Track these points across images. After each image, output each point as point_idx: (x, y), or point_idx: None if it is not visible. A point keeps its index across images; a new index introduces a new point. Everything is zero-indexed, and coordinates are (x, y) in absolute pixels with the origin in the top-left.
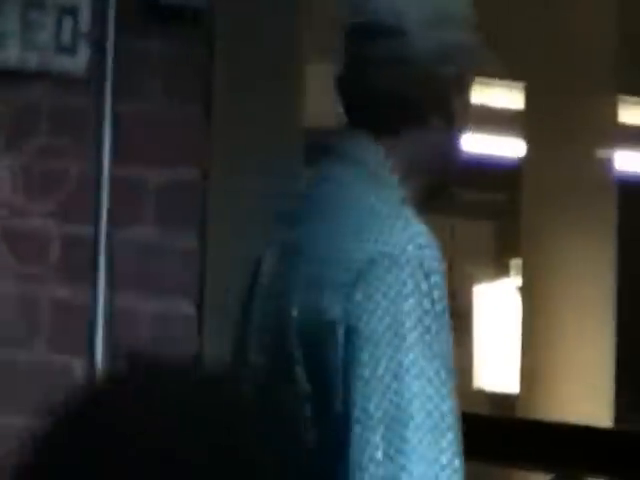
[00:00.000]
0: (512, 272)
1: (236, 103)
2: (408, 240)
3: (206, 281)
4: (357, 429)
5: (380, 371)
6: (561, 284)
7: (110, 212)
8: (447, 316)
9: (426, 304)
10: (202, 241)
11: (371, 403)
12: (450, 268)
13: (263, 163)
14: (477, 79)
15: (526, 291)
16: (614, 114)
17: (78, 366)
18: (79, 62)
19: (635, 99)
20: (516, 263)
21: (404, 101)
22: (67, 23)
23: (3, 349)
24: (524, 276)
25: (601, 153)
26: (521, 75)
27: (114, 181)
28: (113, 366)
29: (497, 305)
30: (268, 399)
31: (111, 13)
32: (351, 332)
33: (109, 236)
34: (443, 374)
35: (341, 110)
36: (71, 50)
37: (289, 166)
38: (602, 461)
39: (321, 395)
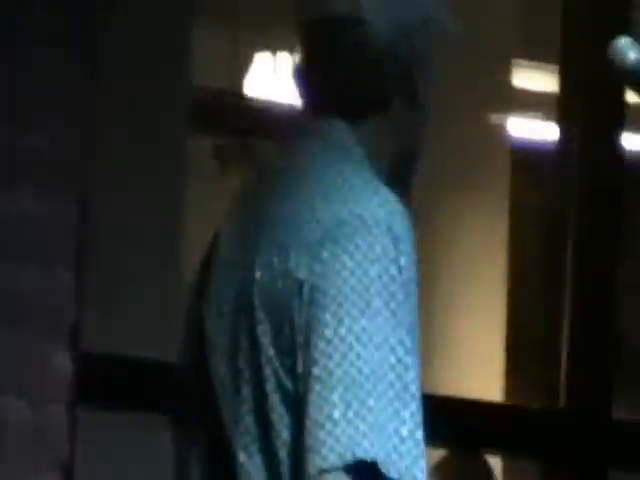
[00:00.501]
0: None
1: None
2: (378, 205)
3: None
4: (317, 387)
5: (342, 332)
6: (453, 261)
7: None
8: (415, 285)
9: (393, 270)
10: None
11: (331, 362)
12: None
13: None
14: None
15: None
16: (509, 79)
17: None
18: None
19: (531, 63)
20: None
21: (366, 86)
22: None
23: None
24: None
25: (495, 119)
26: None
27: None
28: None
29: None
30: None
31: None
32: (315, 291)
33: None
34: (407, 343)
35: (303, 100)
36: None
37: (173, 131)
38: (494, 435)
39: (284, 357)
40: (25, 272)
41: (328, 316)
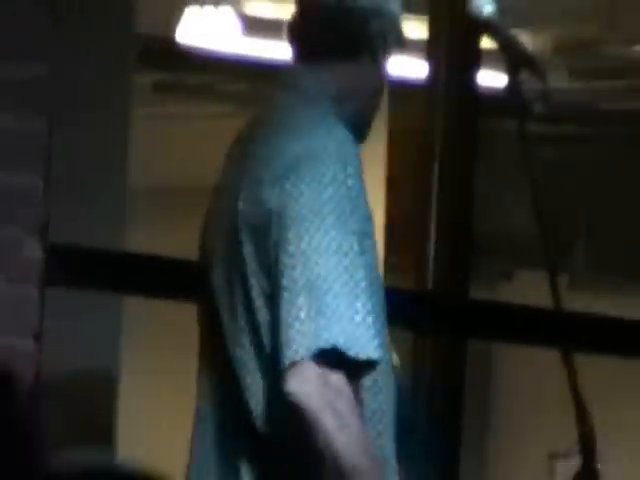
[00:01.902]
0: None
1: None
2: (330, 139)
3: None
4: (285, 294)
5: (303, 246)
6: None
7: None
8: (362, 200)
9: (343, 191)
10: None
11: (295, 272)
12: None
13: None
14: None
15: None
16: None
17: None
18: None
19: (407, 15)
20: None
21: (343, 41)
22: None
23: None
24: None
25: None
26: None
27: None
28: None
29: None
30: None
31: None
32: (281, 217)
33: None
34: (356, 247)
35: (292, 48)
36: None
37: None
38: None
39: (264, 269)
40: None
41: (291, 235)
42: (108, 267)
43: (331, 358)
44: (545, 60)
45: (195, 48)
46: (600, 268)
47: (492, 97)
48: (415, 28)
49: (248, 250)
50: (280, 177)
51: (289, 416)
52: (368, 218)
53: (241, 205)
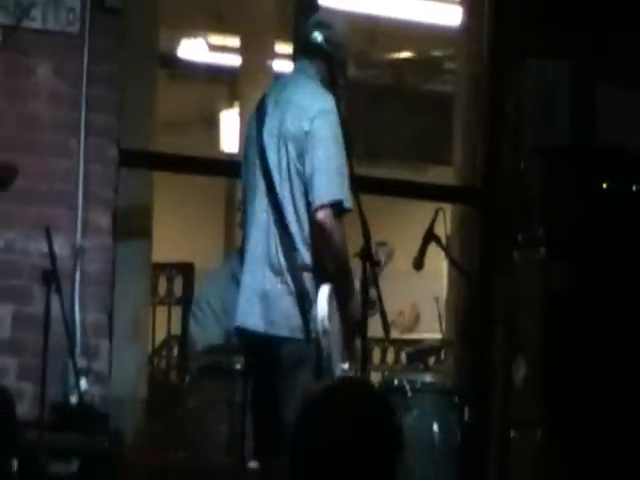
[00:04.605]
0: None
1: None
2: (328, 101)
3: None
4: (315, 173)
5: (323, 147)
6: None
7: None
8: (340, 131)
9: (337, 129)
10: None
11: (318, 156)
12: None
13: None
14: None
15: None
16: None
17: None
18: None
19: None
20: None
21: (325, 54)
22: None
23: None
24: None
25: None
26: None
27: None
28: None
29: None
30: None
31: None
32: (310, 135)
33: None
34: (341, 151)
35: (299, 56)
36: None
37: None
38: None
39: (301, 164)
40: None
41: (318, 144)
42: None
43: (336, 205)
44: None
45: None
46: None
47: None
48: None
49: (291, 148)
50: (311, 118)
51: (316, 233)
52: (343, 140)
53: (289, 124)
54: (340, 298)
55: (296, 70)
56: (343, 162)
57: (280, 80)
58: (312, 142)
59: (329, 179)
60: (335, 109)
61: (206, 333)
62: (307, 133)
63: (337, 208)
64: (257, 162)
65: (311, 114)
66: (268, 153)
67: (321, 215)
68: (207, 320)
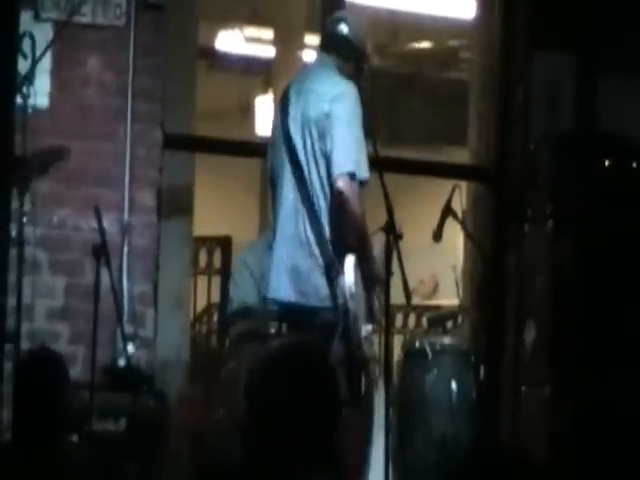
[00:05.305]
0: None
1: None
2: (348, 86)
3: None
4: (335, 146)
5: (342, 130)
6: None
7: None
8: (360, 117)
9: (357, 110)
10: None
11: (342, 139)
12: None
13: None
14: None
15: None
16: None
17: None
18: None
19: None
20: None
21: (348, 52)
22: None
23: None
24: None
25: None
26: None
27: None
28: None
29: None
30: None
31: None
32: (331, 116)
33: None
34: (360, 130)
35: (320, 49)
36: None
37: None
38: None
39: (324, 143)
40: None
41: (337, 123)
42: None
43: (353, 176)
44: None
45: None
46: None
47: None
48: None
49: (314, 130)
50: (331, 100)
51: (336, 200)
52: (362, 122)
53: (311, 108)
54: (361, 265)
55: (317, 61)
56: (361, 139)
57: (302, 71)
58: (332, 121)
59: (347, 152)
60: (353, 93)
61: (242, 293)
62: (327, 114)
63: (355, 178)
64: (283, 147)
65: (330, 97)
66: (294, 137)
67: (340, 183)
68: (245, 284)
